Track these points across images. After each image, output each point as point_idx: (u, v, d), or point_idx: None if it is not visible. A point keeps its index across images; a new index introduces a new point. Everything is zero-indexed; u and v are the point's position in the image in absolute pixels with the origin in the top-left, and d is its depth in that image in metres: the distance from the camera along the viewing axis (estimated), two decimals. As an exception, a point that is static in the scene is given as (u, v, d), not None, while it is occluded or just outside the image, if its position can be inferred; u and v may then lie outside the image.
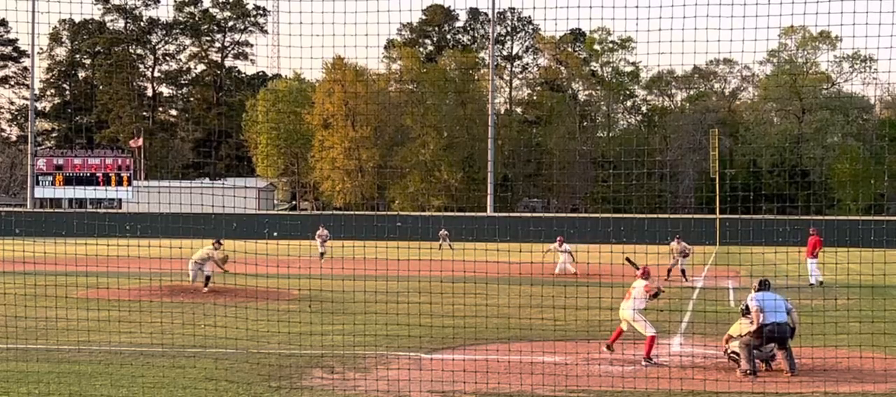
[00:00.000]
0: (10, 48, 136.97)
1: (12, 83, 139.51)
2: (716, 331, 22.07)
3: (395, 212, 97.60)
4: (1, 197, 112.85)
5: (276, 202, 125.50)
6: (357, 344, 20.21)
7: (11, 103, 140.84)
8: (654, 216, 75.19)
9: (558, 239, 42.53)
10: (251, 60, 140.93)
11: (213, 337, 20.24)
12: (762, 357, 18.63)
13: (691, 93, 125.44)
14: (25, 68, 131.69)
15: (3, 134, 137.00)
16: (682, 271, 39.07)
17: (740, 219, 72.86)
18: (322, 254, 47.89)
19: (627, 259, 20.63)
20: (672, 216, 76.77)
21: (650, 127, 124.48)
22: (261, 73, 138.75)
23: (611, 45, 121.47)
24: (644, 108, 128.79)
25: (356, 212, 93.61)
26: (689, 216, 78.57)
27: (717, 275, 42.82)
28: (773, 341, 18.29)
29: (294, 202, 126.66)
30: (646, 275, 20.02)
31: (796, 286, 33.14)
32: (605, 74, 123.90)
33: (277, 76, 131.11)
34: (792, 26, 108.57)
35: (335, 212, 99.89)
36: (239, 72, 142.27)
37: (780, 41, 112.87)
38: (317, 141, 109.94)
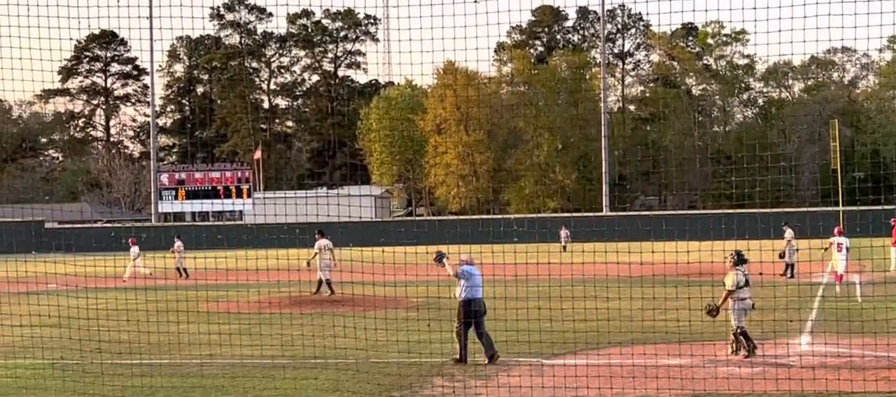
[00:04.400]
0: (130, 66, 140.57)
1: (133, 101, 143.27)
2: (844, 329, 21.45)
3: (510, 216, 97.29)
4: (126, 212, 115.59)
5: (392, 209, 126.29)
6: (477, 351, 20.11)
7: (133, 121, 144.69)
8: (775, 210, 73.71)
9: None
10: (363, 69, 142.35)
11: (335, 347, 20.34)
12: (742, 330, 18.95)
13: (809, 83, 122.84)
14: (145, 86, 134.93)
15: (126, 151, 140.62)
16: (789, 266, 38.22)
17: (864, 211, 70.92)
18: (182, 269, 44.92)
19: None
20: (792, 210, 75.15)
21: (767, 119, 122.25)
22: (373, 81, 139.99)
23: (724, 38, 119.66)
24: (760, 101, 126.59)
25: (471, 217, 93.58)
26: (811, 209, 76.91)
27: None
28: (477, 318, 18.83)
29: (410, 208, 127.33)
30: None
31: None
32: (719, 68, 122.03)
33: (390, 83, 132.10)
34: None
35: (451, 216, 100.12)
36: (352, 81, 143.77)
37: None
38: (430, 146, 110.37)
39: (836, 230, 36.43)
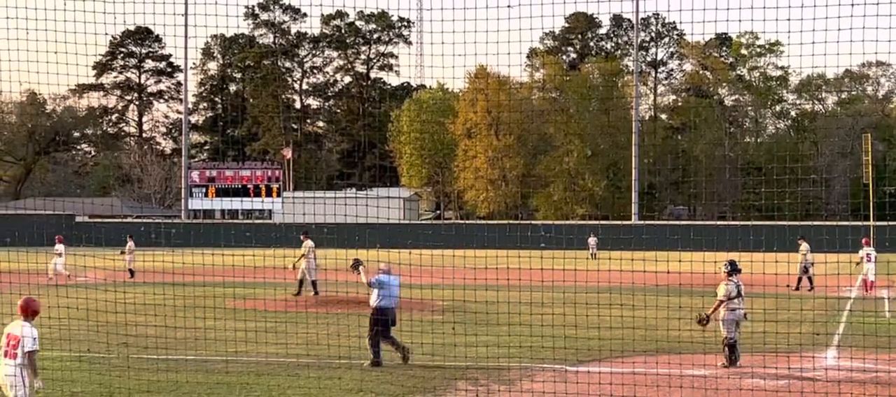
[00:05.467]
0: (164, 63, 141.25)
1: (166, 98, 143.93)
2: (871, 343, 21.32)
3: (536, 222, 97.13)
4: (156, 209, 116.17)
5: (420, 212, 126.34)
6: (501, 356, 20.15)
7: (166, 117, 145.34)
8: (804, 223, 73.24)
9: None
10: (396, 71, 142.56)
11: (359, 348, 20.41)
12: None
13: (842, 96, 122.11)
14: (179, 83, 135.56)
15: (158, 147, 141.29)
16: (810, 278, 38.22)
17: (895, 226, 70.46)
18: (131, 271, 43.82)
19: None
20: (822, 223, 74.70)
21: (799, 132, 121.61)
22: (405, 84, 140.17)
23: (758, 50, 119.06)
24: (793, 113, 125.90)
25: (498, 221, 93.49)
26: (841, 223, 76.40)
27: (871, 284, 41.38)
28: (386, 326, 19.52)
29: (438, 211, 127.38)
30: None
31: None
32: (753, 79, 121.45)
33: (421, 86, 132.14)
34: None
35: (478, 221, 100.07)
36: (384, 83, 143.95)
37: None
38: (460, 150, 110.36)
39: (863, 241, 36.81)
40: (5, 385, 12.76)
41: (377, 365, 19.42)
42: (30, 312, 13.13)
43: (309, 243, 34.58)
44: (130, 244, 45.66)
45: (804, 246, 39.28)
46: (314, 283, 34.16)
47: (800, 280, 38.18)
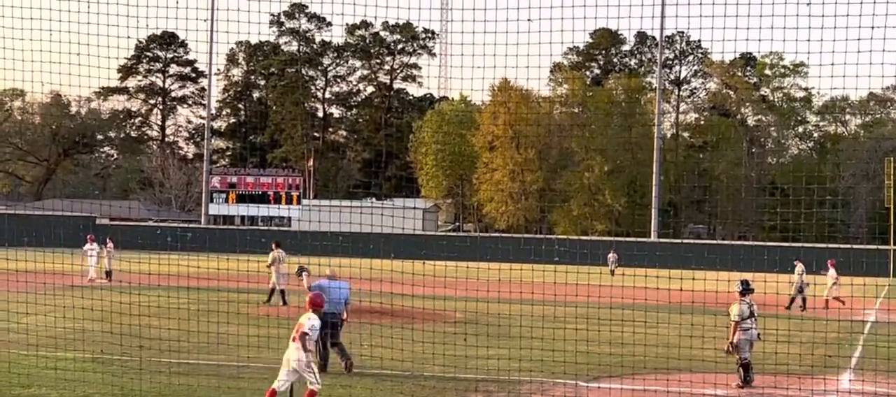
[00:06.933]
0: (188, 69, 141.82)
1: (190, 103, 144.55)
2: (889, 367, 21.22)
3: (552, 236, 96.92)
4: (177, 213, 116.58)
5: (438, 223, 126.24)
6: (515, 369, 20.12)
7: (189, 122, 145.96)
8: (825, 246, 72.79)
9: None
10: (419, 82, 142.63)
11: (375, 357, 20.41)
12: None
13: (866, 119, 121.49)
14: (203, 88, 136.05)
15: (180, 152, 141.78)
16: (803, 300, 38.33)
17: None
18: (107, 271, 43.44)
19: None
20: (843, 246, 74.28)
21: (822, 154, 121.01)
22: (428, 95, 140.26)
23: (782, 70, 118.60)
24: (816, 135, 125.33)
25: (514, 235, 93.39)
26: (862, 247, 76.03)
27: (889, 308, 41.20)
28: (332, 329, 19.45)
29: (457, 223, 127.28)
30: None
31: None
32: (776, 100, 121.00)
33: (444, 98, 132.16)
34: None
35: (494, 233, 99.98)
36: (407, 93, 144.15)
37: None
38: (481, 163, 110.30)
39: (829, 263, 39.85)
40: (290, 359, 15.32)
41: (322, 370, 19.52)
42: (315, 305, 16.21)
43: (279, 253, 34.42)
44: (110, 245, 45.12)
45: (799, 267, 39.40)
46: (273, 292, 34.07)
47: (792, 300, 38.39)
